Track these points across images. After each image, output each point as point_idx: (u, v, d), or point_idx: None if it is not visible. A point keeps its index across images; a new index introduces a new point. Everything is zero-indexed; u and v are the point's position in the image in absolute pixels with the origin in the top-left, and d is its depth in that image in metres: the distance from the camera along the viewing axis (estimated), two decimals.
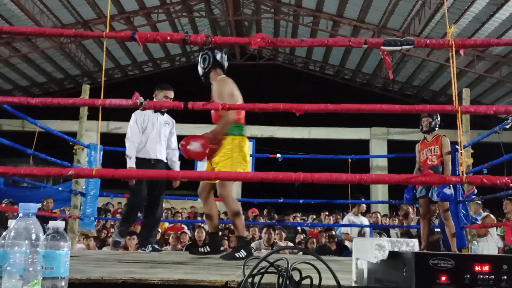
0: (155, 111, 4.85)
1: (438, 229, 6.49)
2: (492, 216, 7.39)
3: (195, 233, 7.75)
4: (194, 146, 3.60)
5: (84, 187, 6.15)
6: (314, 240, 7.80)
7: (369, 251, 1.25)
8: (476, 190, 5.91)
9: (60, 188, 8.16)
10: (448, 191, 5.29)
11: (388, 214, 11.79)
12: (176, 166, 5.16)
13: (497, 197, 6.70)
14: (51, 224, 1.44)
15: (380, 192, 14.88)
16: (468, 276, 1.07)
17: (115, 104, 2.51)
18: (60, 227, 1.45)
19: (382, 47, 2.63)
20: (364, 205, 8.19)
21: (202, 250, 4.01)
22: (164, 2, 14.32)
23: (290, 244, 7.74)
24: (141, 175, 2.43)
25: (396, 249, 1.19)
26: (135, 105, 2.52)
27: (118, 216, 9.33)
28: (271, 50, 18.34)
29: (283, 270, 1.39)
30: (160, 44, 16.45)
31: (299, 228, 8.81)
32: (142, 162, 4.81)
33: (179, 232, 8.06)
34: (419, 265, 1.06)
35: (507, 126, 5.09)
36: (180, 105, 2.49)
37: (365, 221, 8.03)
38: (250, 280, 1.43)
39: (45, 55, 15.22)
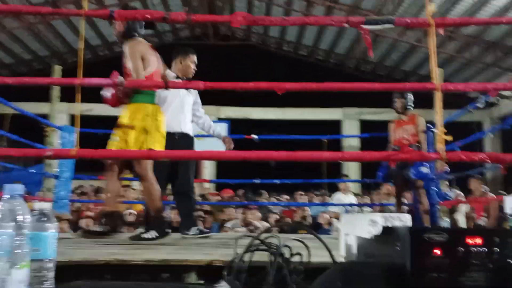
0: (177, 79, 4.26)
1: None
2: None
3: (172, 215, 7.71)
4: (106, 93, 3.38)
5: (57, 170, 6.06)
6: (289, 220, 7.88)
7: (361, 227, 1.26)
8: (448, 168, 6.06)
9: (33, 171, 8.00)
10: (425, 169, 5.35)
11: (361, 193, 11.96)
12: (217, 129, 4.65)
13: (467, 175, 6.89)
14: (37, 205, 1.41)
15: (352, 171, 15.05)
16: (462, 249, 1.09)
17: (94, 83, 2.46)
18: (46, 208, 1.42)
19: (363, 26, 2.64)
20: (350, 184, 8.32)
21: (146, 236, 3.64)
22: None
23: (265, 223, 7.79)
24: (122, 155, 2.39)
25: (389, 224, 1.20)
26: (115, 84, 2.48)
27: (92, 198, 9.22)
28: (244, 31, 18.19)
29: (274, 247, 1.40)
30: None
31: (271, 207, 8.87)
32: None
33: None
34: (414, 239, 1.08)
35: (480, 106, 5.21)
36: (161, 84, 2.45)
37: (353, 199, 8.21)
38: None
39: (12, 35, 14.79)
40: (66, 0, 13.42)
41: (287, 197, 9.68)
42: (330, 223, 7.98)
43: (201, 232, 4.27)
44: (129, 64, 3.42)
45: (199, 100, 4.54)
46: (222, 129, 10.19)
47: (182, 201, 4.40)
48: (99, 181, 11.18)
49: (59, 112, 9.86)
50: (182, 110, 4.32)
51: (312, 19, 2.58)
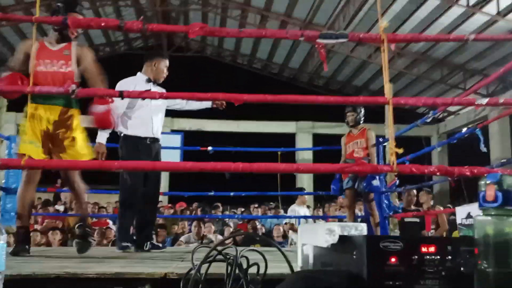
0: (148, 82, 4.18)
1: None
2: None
3: None
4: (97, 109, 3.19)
5: (3, 181, 5.84)
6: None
7: (318, 236, 1.27)
8: (398, 181, 6.22)
9: None
10: (375, 182, 5.47)
11: (313, 205, 12.09)
12: (194, 104, 4.46)
13: (417, 188, 7.08)
14: None
15: (305, 184, 15.21)
16: (416, 257, 1.11)
17: (45, 91, 2.40)
18: None
19: (318, 40, 2.68)
20: (305, 196, 8.43)
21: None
22: None
23: (220, 237, 7.74)
24: (73, 166, 2.33)
25: (345, 233, 1.22)
26: (67, 92, 2.41)
27: (40, 211, 8.93)
28: (199, 43, 18.18)
29: (232, 258, 1.39)
30: (84, 33, 15.84)
31: (227, 220, 8.85)
32: (135, 141, 4.06)
33: (104, 228, 7.84)
34: (370, 247, 1.10)
35: (428, 120, 5.38)
36: (115, 94, 2.41)
37: (307, 211, 8.29)
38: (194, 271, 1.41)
39: None
40: (15, 7, 13.05)
41: (242, 209, 9.68)
42: (284, 236, 8.02)
43: (153, 246, 4.19)
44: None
45: (176, 101, 4.43)
46: (176, 141, 10.13)
47: (146, 210, 4.22)
48: (47, 193, 10.88)
49: (7, 122, 9.58)
50: (153, 114, 4.21)
51: (268, 32, 2.60)
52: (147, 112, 4.14)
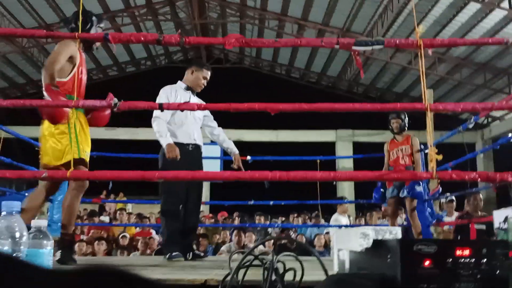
0: (186, 89, 4.29)
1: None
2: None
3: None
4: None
5: None
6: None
7: (353, 241, 1.28)
8: (441, 188, 6.08)
9: (26, 194, 7.95)
10: (418, 188, 5.40)
11: (354, 214, 11.98)
12: (231, 144, 4.60)
13: (462, 195, 6.91)
14: (34, 223, 1.43)
15: (347, 193, 15.08)
16: (451, 259, 1.11)
17: (88, 105, 2.49)
18: (42, 225, 1.44)
19: (353, 47, 2.69)
20: (346, 205, 8.29)
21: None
22: (129, 6, 14.19)
23: (261, 246, 7.77)
24: (116, 176, 2.41)
25: (380, 237, 1.23)
26: (109, 106, 2.51)
27: (86, 221, 9.18)
28: (237, 54, 18.38)
29: (268, 262, 1.41)
30: (125, 48, 16.29)
31: (269, 230, 8.87)
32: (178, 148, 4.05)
33: (147, 238, 7.99)
34: (404, 251, 1.10)
35: (470, 126, 5.27)
36: (155, 106, 2.49)
37: (348, 221, 8.25)
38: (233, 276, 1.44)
39: (6, 59, 14.87)
40: (60, 25, 13.53)
41: (283, 218, 9.68)
42: (326, 246, 7.97)
43: (195, 255, 4.24)
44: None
45: (209, 113, 4.54)
46: (216, 151, 10.22)
47: (189, 219, 4.27)
48: (92, 204, 11.17)
49: None
50: (195, 122, 4.31)
51: (304, 41, 2.63)
52: (187, 120, 4.22)
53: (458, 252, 1.12)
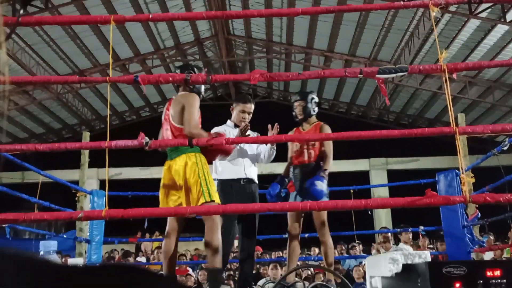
0: (234, 127, 4.26)
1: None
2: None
3: (199, 275, 7.68)
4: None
5: (88, 234, 6.15)
6: (321, 275, 7.74)
7: (383, 266, 1.28)
8: (479, 213, 5.93)
9: (64, 236, 8.12)
10: (320, 185, 3.85)
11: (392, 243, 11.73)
12: (265, 148, 4.36)
13: (502, 219, 6.73)
14: (71, 260, 1.47)
15: (384, 221, 14.84)
16: (481, 281, 1.10)
17: (121, 145, 2.57)
18: (80, 263, 1.48)
19: (377, 76, 2.72)
20: (410, 234, 7.67)
21: None
22: (158, 48, 14.60)
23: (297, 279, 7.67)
24: (150, 213, 2.46)
25: (409, 262, 1.23)
26: (141, 145, 2.58)
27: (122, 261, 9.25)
28: (265, 88, 18.59)
29: None
30: (156, 89, 16.69)
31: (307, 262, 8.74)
32: (229, 184, 4.11)
33: (184, 275, 8.00)
34: (433, 274, 1.10)
35: (505, 148, 5.15)
36: (184, 142, 2.55)
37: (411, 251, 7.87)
38: None
39: (42, 106, 15.42)
40: (92, 70, 14.02)
41: (317, 250, 9.55)
42: (364, 277, 7.80)
43: None
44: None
45: (263, 147, 4.42)
46: None
47: (248, 259, 4.21)
48: (129, 244, 11.28)
49: (89, 178, 10.13)
50: (247, 155, 4.28)
51: (327, 72, 2.67)
52: (237, 155, 4.21)
53: (489, 273, 1.11)
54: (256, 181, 4.35)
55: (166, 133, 3.46)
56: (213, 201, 3.22)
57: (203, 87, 3.64)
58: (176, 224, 3.40)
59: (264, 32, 14.49)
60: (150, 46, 14.34)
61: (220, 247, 3.27)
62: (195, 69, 3.53)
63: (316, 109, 4.44)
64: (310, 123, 4.38)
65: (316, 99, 4.47)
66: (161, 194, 3.40)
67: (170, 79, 2.68)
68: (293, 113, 4.50)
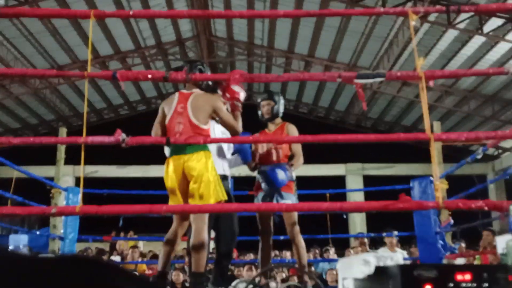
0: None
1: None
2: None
3: (172, 276, 7.56)
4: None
5: (62, 231, 6.07)
6: (295, 278, 7.77)
7: (355, 268, 1.29)
8: (452, 220, 6.02)
9: (38, 233, 7.98)
10: (281, 173, 3.90)
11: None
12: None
13: (473, 227, 6.84)
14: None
15: (358, 226, 14.97)
16: (452, 284, 1.12)
17: (97, 141, 2.55)
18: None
19: (355, 80, 2.74)
20: (394, 239, 7.60)
21: None
22: (139, 46, 14.50)
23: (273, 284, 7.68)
24: (124, 211, 2.44)
25: (381, 264, 1.24)
26: (117, 141, 2.56)
27: None
28: (247, 91, 18.60)
29: None
30: (135, 87, 16.56)
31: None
32: None
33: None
34: (405, 276, 1.11)
35: (478, 157, 5.24)
36: (162, 140, 2.54)
37: (400, 257, 7.85)
38: None
39: (19, 100, 15.16)
40: (72, 66, 13.85)
41: (288, 253, 9.57)
42: (337, 280, 7.84)
43: None
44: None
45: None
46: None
47: (221, 260, 4.20)
48: (103, 243, 11.15)
49: (65, 175, 9.99)
50: (222, 152, 4.18)
51: (307, 75, 2.69)
52: (214, 151, 4.07)
53: (459, 277, 1.13)
54: (230, 177, 4.29)
55: (178, 126, 3.37)
56: (221, 201, 3.31)
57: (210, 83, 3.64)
58: (181, 223, 3.45)
59: (246, 35, 14.51)
60: (131, 44, 14.23)
61: (206, 250, 3.28)
62: (204, 66, 3.57)
63: (283, 109, 4.43)
64: (276, 124, 4.35)
65: (283, 100, 4.45)
66: (171, 185, 3.37)
67: (149, 76, 2.66)
68: (259, 113, 4.41)
